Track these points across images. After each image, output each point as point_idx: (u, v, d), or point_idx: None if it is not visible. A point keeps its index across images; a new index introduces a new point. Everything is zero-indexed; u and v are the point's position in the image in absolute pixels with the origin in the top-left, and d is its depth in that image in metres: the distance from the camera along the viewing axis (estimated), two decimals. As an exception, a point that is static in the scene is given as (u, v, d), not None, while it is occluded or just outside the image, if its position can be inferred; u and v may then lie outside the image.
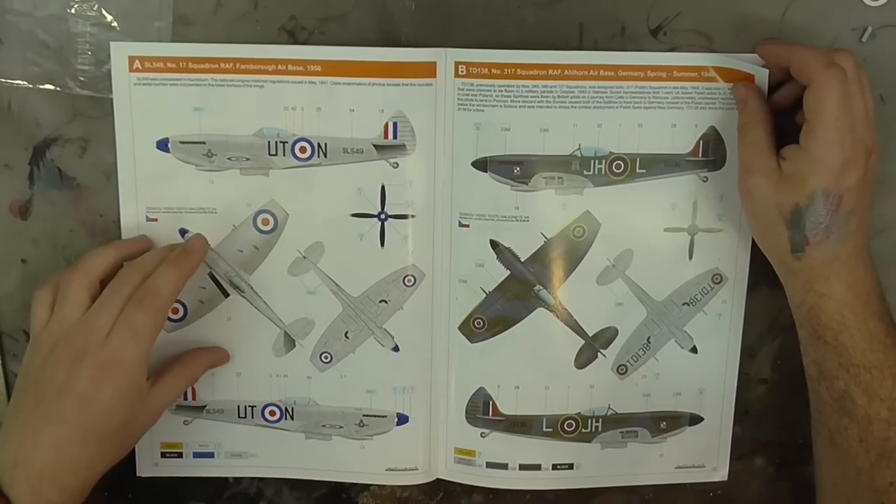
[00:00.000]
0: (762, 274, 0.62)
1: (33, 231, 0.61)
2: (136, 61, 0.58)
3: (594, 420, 0.64)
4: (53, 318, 0.55)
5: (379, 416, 0.63)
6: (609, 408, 0.64)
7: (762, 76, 0.58)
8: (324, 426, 0.64)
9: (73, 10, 0.57)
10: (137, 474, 0.64)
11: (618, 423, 0.65)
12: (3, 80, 0.58)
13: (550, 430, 0.64)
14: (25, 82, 0.58)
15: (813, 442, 0.61)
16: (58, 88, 0.58)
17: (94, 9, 0.57)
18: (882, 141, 0.56)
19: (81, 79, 0.58)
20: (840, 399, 0.56)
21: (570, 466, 0.65)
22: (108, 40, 0.58)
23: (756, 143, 0.56)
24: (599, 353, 0.63)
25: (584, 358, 0.63)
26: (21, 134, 0.60)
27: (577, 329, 0.63)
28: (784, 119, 0.58)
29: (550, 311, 0.62)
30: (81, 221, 0.61)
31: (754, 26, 0.59)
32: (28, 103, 0.59)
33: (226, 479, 0.65)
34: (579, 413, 0.64)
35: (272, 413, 0.64)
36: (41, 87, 0.58)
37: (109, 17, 0.57)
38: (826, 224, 0.54)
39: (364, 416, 0.63)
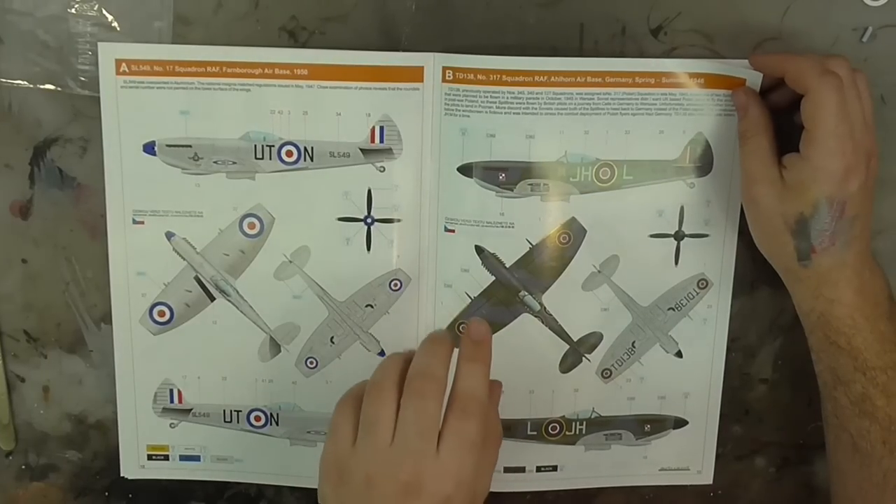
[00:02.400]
0: (763, 274, 0.62)
1: (34, 231, 0.61)
2: (123, 64, 0.58)
3: (578, 423, 0.65)
4: (361, 443, 0.49)
5: (363, 422, 0.64)
6: (593, 411, 0.65)
7: (755, 80, 0.57)
8: (308, 432, 0.64)
9: (73, 10, 0.57)
10: (122, 475, 0.64)
11: (601, 426, 0.65)
12: (3, 80, 0.58)
13: (535, 433, 0.64)
14: (26, 82, 0.58)
15: (830, 450, 0.60)
16: (58, 88, 0.58)
17: (95, 9, 0.57)
18: (883, 141, 0.56)
19: (82, 79, 0.58)
20: (859, 402, 0.57)
21: (554, 468, 0.66)
22: (108, 40, 0.57)
23: (758, 151, 0.56)
24: (584, 358, 0.63)
25: (569, 362, 0.63)
26: (21, 134, 0.59)
27: (562, 334, 0.63)
28: (781, 120, 0.57)
29: (535, 316, 0.62)
30: (82, 221, 0.61)
31: (755, 26, 0.59)
32: (28, 103, 0.59)
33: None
34: (563, 416, 0.64)
35: (257, 418, 0.64)
36: (42, 86, 0.58)
37: (110, 18, 0.57)
38: (831, 231, 0.54)
39: (349, 421, 0.64)
